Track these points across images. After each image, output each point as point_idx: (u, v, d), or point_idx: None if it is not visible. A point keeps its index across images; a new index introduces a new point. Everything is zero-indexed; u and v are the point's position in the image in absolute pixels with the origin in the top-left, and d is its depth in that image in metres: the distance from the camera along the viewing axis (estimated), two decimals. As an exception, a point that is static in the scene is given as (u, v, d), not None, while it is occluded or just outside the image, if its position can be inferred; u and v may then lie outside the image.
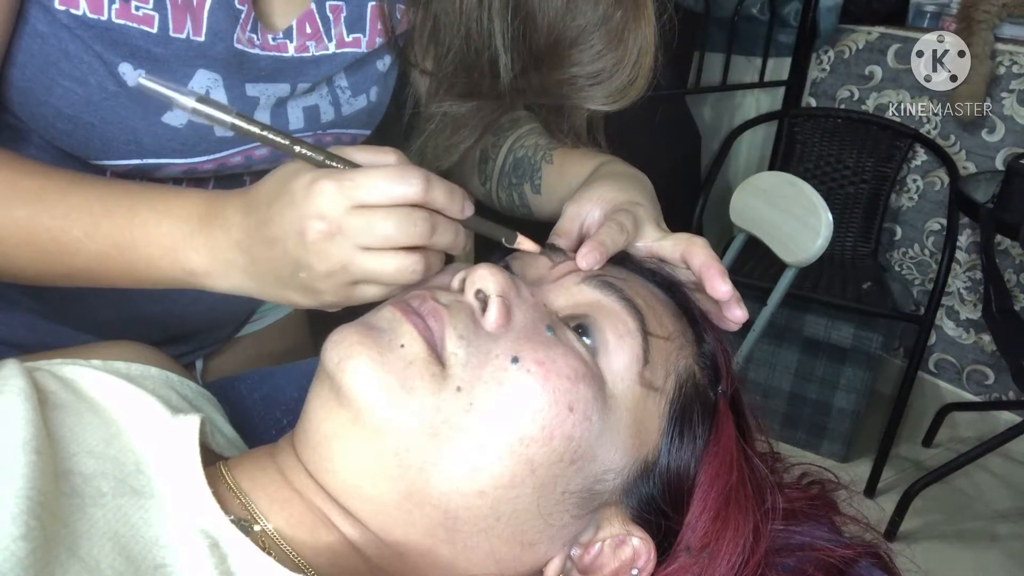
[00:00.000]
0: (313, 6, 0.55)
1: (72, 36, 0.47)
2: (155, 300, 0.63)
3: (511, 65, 0.57)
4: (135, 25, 0.48)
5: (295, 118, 0.58)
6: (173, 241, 0.44)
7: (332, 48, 0.57)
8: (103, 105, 0.49)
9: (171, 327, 0.67)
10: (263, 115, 0.56)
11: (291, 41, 0.55)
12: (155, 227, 0.44)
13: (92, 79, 0.48)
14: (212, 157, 0.55)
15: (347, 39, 0.57)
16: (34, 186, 0.45)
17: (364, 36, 0.58)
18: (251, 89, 0.54)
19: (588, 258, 0.45)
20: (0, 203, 0.44)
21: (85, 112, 0.49)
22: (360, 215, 0.39)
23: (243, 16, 0.51)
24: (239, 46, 0.52)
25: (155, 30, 0.48)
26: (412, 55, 0.62)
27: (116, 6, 0.47)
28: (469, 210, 0.44)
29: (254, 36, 0.53)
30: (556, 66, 0.57)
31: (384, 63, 0.61)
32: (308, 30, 0.55)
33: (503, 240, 0.47)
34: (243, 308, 0.76)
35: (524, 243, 0.48)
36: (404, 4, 0.60)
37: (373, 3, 0.58)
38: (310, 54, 0.56)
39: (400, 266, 0.40)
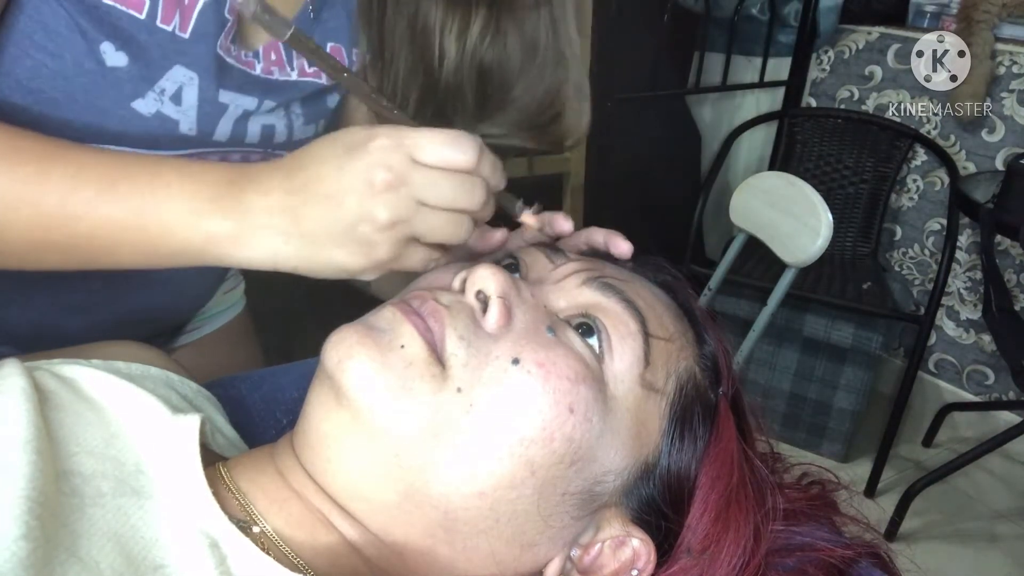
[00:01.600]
0: None
1: (55, 9, 0.46)
2: (78, 311, 0.63)
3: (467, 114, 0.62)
4: (123, 8, 0.47)
5: (252, 133, 0.59)
6: (197, 205, 0.42)
7: (294, 76, 0.59)
8: (74, 81, 0.49)
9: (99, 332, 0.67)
10: (227, 124, 0.57)
11: (258, 62, 0.57)
12: (179, 188, 0.42)
13: (68, 54, 0.48)
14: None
15: (308, 70, 0.60)
16: (40, 147, 0.43)
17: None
18: (223, 95, 0.55)
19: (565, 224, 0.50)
20: (1, 162, 0.42)
21: (51, 86, 0.49)
22: (424, 172, 0.41)
23: (228, 26, 0.52)
24: (220, 51, 0.53)
25: (143, 16, 0.48)
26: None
27: None
28: (503, 183, 0.45)
29: (232, 47, 0.54)
30: (503, 121, 0.62)
31: (333, 100, 0.64)
32: (273, 57, 0.58)
33: (515, 210, 0.50)
34: (179, 314, 0.76)
35: (528, 219, 0.50)
36: (359, 50, 0.63)
37: (332, 44, 0.61)
38: (274, 78, 0.58)
39: (456, 224, 0.42)
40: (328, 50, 0.61)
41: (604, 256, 0.51)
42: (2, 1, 0.45)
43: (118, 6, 0.47)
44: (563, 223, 0.50)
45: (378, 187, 0.40)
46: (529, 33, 0.63)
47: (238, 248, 0.42)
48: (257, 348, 0.92)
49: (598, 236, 0.52)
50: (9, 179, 0.41)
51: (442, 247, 0.45)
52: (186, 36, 0.51)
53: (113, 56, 0.49)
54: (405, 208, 0.41)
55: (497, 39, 0.62)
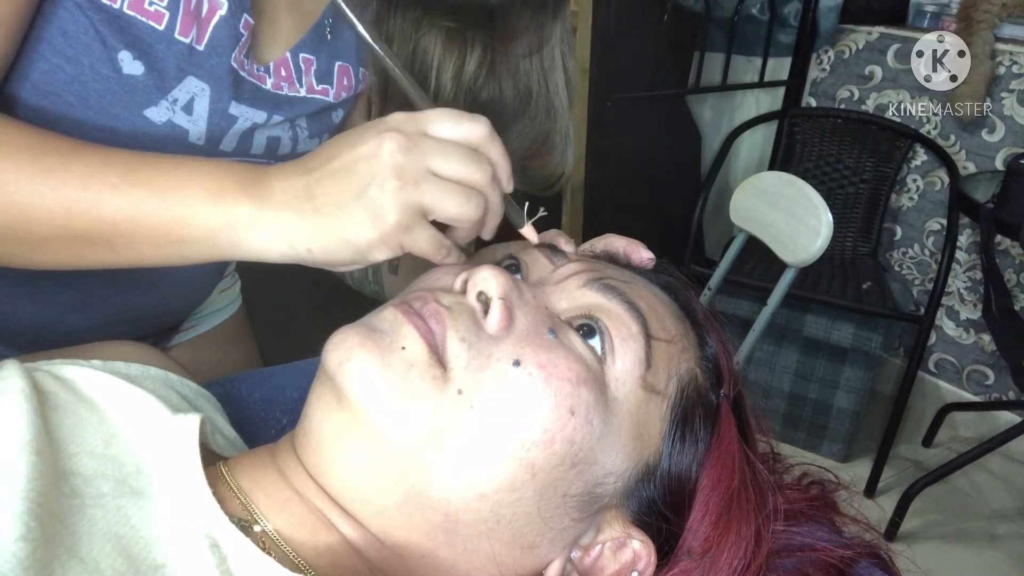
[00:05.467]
0: (288, 55, 0.59)
1: (75, 15, 0.47)
2: (75, 309, 0.63)
3: None
4: (143, 19, 0.48)
5: (258, 145, 0.61)
6: (222, 187, 0.43)
7: (303, 93, 0.61)
8: (90, 87, 0.50)
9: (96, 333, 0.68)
10: (235, 135, 0.58)
11: (269, 77, 0.58)
12: (204, 173, 0.43)
13: (85, 60, 0.49)
14: None
15: (316, 88, 0.62)
16: (65, 141, 0.44)
17: (332, 88, 0.63)
18: (234, 108, 0.56)
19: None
20: (26, 153, 0.42)
21: (66, 91, 0.49)
22: (434, 141, 0.42)
23: (243, 41, 0.54)
24: (234, 65, 0.54)
25: (162, 27, 0.49)
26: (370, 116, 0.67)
27: None
28: (511, 186, 0.46)
29: (245, 60, 0.55)
30: None
31: (338, 115, 0.65)
32: (283, 73, 0.59)
33: (519, 219, 0.49)
34: (176, 312, 0.76)
35: (529, 232, 0.49)
36: (367, 71, 0.65)
37: (340, 62, 0.63)
38: (284, 93, 0.59)
39: (465, 198, 0.42)
40: (336, 70, 0.63)
41: (605, 257, 0.51)
42: (31, 6, 0.46)
43: (139, 17, 0.48)
44: (564, 244, 0.51)
45: (389, 150, 0.41)
46: (523, 81, 0.65)
47: (256, 232, 0.42)
48: (254, 347, 0.92)
49: (618, 243, 0.52)
50: (33, 169, 0.42)
51: (451, 240, 0.45)
52: (201, 48, 0.52)
53: (130, 64, 0.50)
54: (414, 171, 0.41)
55: (491, 80, 0.64)
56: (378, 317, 0.41)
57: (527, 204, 0.50)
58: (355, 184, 0.41)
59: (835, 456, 1.83)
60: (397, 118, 0.43)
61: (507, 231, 0.50)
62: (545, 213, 0.50)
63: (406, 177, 0.41)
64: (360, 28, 0.47)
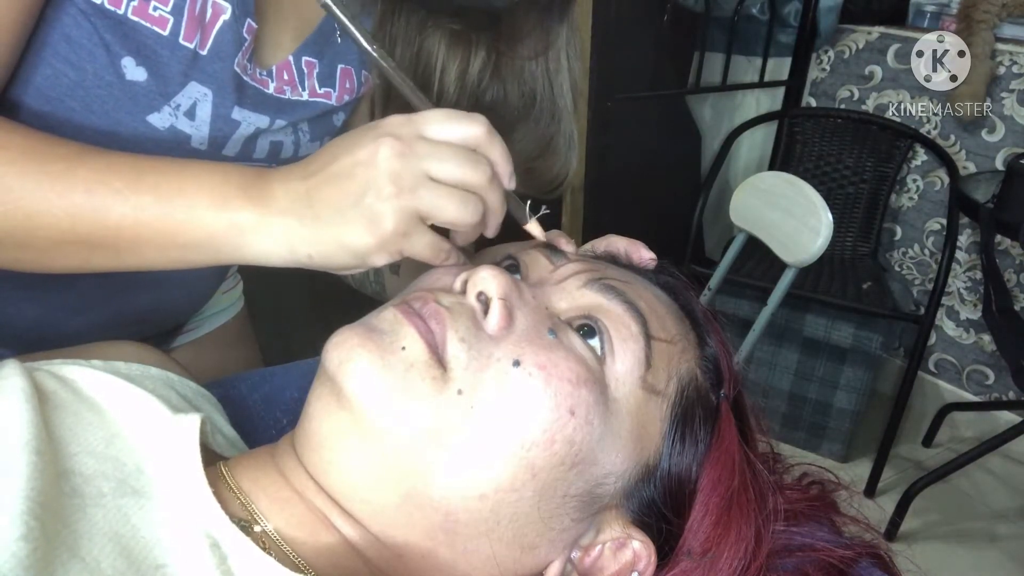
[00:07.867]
0: (290, 59, 0.59)
1: (79, 21, 0.47)
2: (78, 311, 0.63)
3: None
4: (148, 25, 0.48)
5: (260, 149, 0.61)
6: (225, 192, 0.43)
7: (305, 96, 0.60)
8: (93, 92, 0.50)
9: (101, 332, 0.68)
10: (238, 140, 0.58)
11: (271, 81, 0.58)
12: (207, 178, 0.43)
13: (89, 66, 0.49)
14: None
15: (319, 91, 0.61)
16: (68, 148, 0.44)
17: (334, 91, 0.63)
18: (237, 113, 0.56)
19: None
20: (32, 158, 0.42)
21: (70, 96, 0.49)
22: (430, 144, 0.42)
23: (246, 45, 0.53)
24: (237, 69, 0.54)
25: (166, 33, 0.49)
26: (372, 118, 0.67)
27: (134, 3, 0.47)
28: (513, 183, 0.45)
29: (248, 65, 0.55)
30: None
31: (339, 118, 0.65)
32: (285, 77, 0.59)
33: (523, 216, 0.49)
34: (179, 314, 0.77)
35: (534, 228, 0.49)
36: (367, 71, 0.65)
37: (343, 65, 0.62)
38: (286, 97, 0.59)
39: (462, 202, 0.42)
40: (339, 72, 0.62)
41: (606, 257, 0.51)
42: (33, 14, 0.46)
43: (143, 23, 0.48)
44: (564, 245, 0.51)
45: (384, 156, 0.41)
46: (528, 83, 0.65)
47: (258, 238, 0.43)
48: (256, 348, 0.92)
49: (619, 244, 0.52)
50: (39, 175, 0.42)
51: (452, 241, 0.45)
52: (205, 53, 0.52)
53: (133, 71, 0.50)
54: (410, 177, 0.41)
55: (496, 82, 0.64)
56: (378, 317, 0.41)
57: (528, 202, 0.49)
58: (352, 190, 0.41)
59: (835, 456, 1.83)
60: (393, 121, 0.43)
61: (513, 230, 0.50)
62: (548, 211, 0.50)
63: (402, 183, 0.41)
64: (353, 30, 0.46)
